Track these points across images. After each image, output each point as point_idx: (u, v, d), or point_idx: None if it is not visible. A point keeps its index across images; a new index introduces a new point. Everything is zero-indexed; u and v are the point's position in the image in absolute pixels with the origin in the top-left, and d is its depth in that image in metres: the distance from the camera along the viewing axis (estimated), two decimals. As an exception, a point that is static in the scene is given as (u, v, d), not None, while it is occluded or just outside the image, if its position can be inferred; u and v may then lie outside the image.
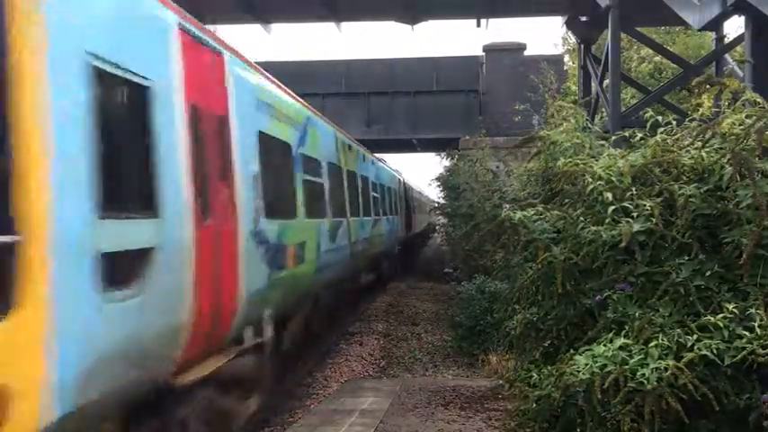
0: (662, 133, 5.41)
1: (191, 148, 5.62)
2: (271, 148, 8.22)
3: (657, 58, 21.88)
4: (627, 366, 4.00)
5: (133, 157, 5.00)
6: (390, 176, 23.40)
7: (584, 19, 17.75)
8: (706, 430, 4.15)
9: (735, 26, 28.60)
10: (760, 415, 3.92)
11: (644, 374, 3.92)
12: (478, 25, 19.88)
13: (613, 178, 5.07)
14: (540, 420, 4.91)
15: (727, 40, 15.24)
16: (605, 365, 4.06)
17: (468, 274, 14.97)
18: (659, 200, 4.82)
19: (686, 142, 5.34)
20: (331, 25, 20.16)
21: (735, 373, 4.01)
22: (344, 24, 20.06)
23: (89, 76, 4.26)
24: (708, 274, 4.45)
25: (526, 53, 25.83)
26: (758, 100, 5.10)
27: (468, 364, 11.80)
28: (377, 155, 22.99)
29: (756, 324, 4.00)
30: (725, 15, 10.59)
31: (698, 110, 5.54)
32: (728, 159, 4.72)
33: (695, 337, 4.08)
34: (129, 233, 4.66)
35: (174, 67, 5.52)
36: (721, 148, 4.92)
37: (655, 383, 3.87)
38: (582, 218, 5.23)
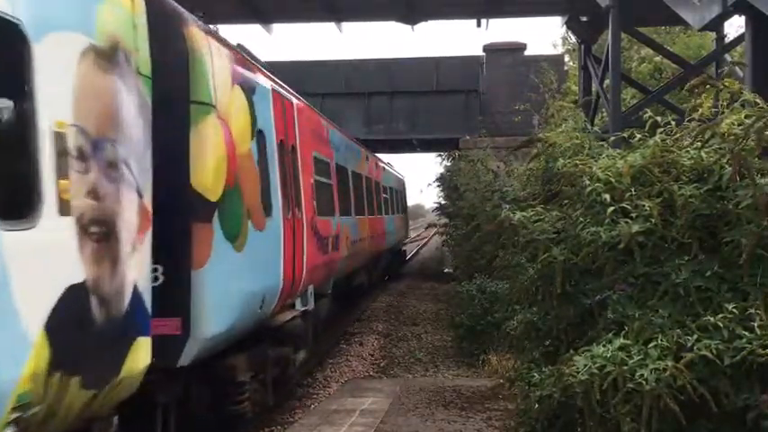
0: (661, 133, 5.41)
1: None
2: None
3: (658, 59, 21.87)
4: (626, 367, 4.01)
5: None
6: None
7: (584, 19, 17.75)
8: (705, 430, 4.15)
9: (735, 26, 28.59)
10: (759, 415, 3.92)
11: (642, 375, 3.92)
12: (479, 25, 19.92)
13: (612, 179, 5.07)
14: (541, 420, 4.92)
15: (727, 40, 15.25)
16: (604, 366, 4.07)
17: (469, 274, 14.97)
18: (659, 200, 4.82)
19: (686, 142, 5.34)
20: (331, 25, 20.20)
21: (734, 373, 4.01)
22: (345, 24, 20.08)
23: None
24: (707, 274, 4.45)
25: (526, 53, 25.83)
26: (757, 100, 5.10)
27: (469, 364, 11.81)
28: (378, 155, 23.09)
29: (756, 324, 4.00)
30: (725, 15, 10.59)
31: (697, 110, 5.54)
32: (728, 159, 4.72)
33: (695, 337, 4.09)
34: None
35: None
36: (721, 149, 4.92)
37: (653, 384, 3.87)
38: (581, 218, 5.23)
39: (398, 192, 28.07)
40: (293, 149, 9.53)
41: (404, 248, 33.60)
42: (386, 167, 24.15)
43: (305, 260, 9.40)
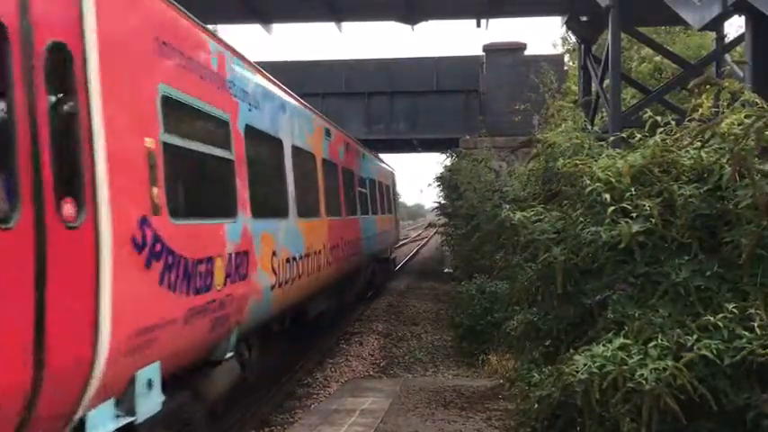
0: (661, 133, 5.41)
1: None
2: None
3: (658, 58, 21.89)
4: (626, 366, 4.01)
5: None
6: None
7: (584, 19, 17.77)
8: (705, 430, 4.15)
9: (735, 26, 28.63)
10: (759, 414, 3.92)
11: (642, 374, 3.92)
12: (478, 25, 19.91)
13: (612, 179, 5.08)
14: (541, 420, 4.92)
15: (727, 40, 15.26)
16: (604, 365, 4.07)
17: (469, 273, 14.98)
18: (659, 200, 4.83)
19: (686, 142, 5.34)
20: (331, 25, 20.22)
21: (734, 372, 4.02)
22: (345, 24, 20.10)
23: None
24: (708, 274, 4.46)
25: (526, 53, 25.84)
26: (757, 100, 5.11)
27: (469, 363, 11.81)
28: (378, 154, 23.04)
29: (756, 324, 4.00)
30: (725, 15, 10.59)
31: (697, 110, 5.55)
32: (728, 159, 4.73)
33: (695, 336, 4.09)
34: None
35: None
36: (721, 148, 4.92)
37: (653, 384, 3.87)
38: (581, 218, 5.24)
39: (384, 186, 22.64)
40: (69, 60, 4.34)
41: (393, 256, 26.99)
42: (365, 153, 19.09)
43: (107, 319, 4.48)
